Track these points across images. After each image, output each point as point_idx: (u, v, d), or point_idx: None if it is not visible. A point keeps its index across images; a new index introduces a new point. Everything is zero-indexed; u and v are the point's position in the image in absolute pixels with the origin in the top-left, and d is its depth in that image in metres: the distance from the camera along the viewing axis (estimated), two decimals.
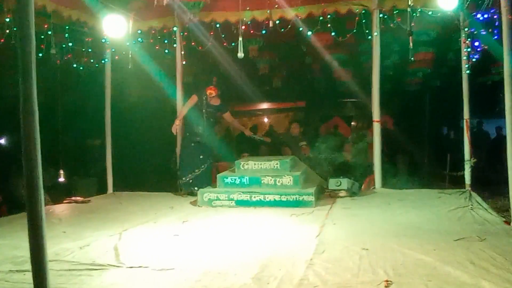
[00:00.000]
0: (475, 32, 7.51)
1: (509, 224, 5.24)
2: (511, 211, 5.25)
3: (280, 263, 4.05)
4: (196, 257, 4.36)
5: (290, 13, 8.20)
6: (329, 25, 8.17)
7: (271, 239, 5.03)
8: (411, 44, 7.50)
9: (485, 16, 6.76)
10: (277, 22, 8.26)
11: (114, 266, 4.06)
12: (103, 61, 9.01)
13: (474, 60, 7.78)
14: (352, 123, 17.06)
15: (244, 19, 8.36)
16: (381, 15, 8.00)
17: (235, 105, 15.48)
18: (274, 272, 3.79)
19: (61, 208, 7.40)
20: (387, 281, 3.46)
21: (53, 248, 4.56)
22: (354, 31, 8.15)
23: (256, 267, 3.92)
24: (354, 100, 15.56)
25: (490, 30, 6.79)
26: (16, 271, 3.91)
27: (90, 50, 8.72)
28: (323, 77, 13.50)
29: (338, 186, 7.62)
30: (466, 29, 7.56)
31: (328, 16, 8.17)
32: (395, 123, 13.54)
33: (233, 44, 8.40)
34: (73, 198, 7.86)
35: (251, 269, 3.87)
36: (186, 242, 4.98)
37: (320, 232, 5.22)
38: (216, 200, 7.16)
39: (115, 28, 7.90)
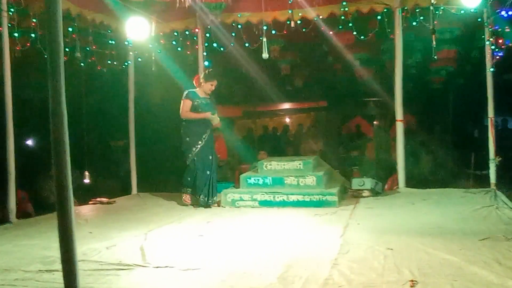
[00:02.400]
0: (499, 30, 7.43)
1: None
2: None
3: (305, 263, 4.07)
4: (221, 257, 4.40)
5: (312, 13, 8.20)
6: (350, 24, 8.16)
7: (295, 239, 5.05)
8: (434, 42, 7.46)
9: (510, 13, 6.68)
10: (299, 22, 8.27)
11: (140, 266, 4.12)
12: (126, 64, 9.10)
13: (498, 57, 7.67)
14: (374, 122, 17.01)
15: (266, 19, 8.39)
16: (403, 14, 7.95)
17: (257, 105, 15.57)
18: (299, 272, 3.81)
19: (87, 209, 7.52)
20: (412, 281, 3.45)
21: (80, 248, 4.61)
22: (376, 30, 8.13)
23: (281, 267, 3.94)
24: (376, 99, 15.50)
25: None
26: (46, 271, 3.99)
27: (113, 52, 8.80)
28: (345, 76, 13.47)
29: (362, 186, 7.60)
30: (490, 27, 7.49)
31: (350, 16, 8.16)
32: (418, 122, 13.47)
33: (255, 45, 8.41)
34: (98, 199, 7.96)
35: (276, 269, 3.90)
36: (210, 243, 5.03)
37: (344, 232, 5.23)
38: (239, 200, 7.20)
39: (138, 30, 8.00)
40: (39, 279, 3.80)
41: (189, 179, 7.37)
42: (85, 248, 4.69)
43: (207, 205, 7.22)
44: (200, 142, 7.32)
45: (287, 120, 19.32)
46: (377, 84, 12.86)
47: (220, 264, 4.15)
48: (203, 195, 7.25)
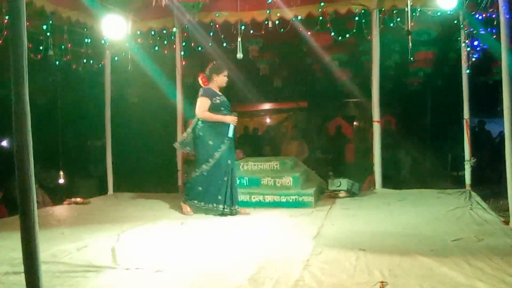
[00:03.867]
0: (474, 32, 7.52)
1: (507, 224, 5.23)
2: (510, 211, 5.21)
3: (277, 264, 4.05)
4: (193, 258, 4.36)
5: (289, 13, 8.21)
6: (328, 25, 8.19)
7: (269, 240, 5.04)
8: (410, 43, 7.52)
9: (484, 15, 6.77)
10: (277, 22, 8.27)
11: (110, 267, 4.06)
12: (102, 62, 9.01)
13: (474, 59, 7.77)
14: (354, 123, 17.12)
15: (244, 19, 8.39)
16: (380, 15, 8.00)
17: (236, 105, 15.52)
18: (270, 273, 3.79)
19: (60, 209, 7.43)
20: (382, 282, 3.46)
21: (50, 249, 4.58)
22: (354, 31, 8.17)
23: (253, 269, 3.92)
24: (356, 100, 15.59)
25: (489, 29, 6.79)
26: (13, 272, 3.90)
27: (89, 51, 8.70)
28: (324, 77, 13.50)
29: (338, 186, 7.63)
30: (465, 29, 7.58)
31: (328, 16, 8.18)
32: (397, 123, 13.59)
33: (233, 44, 8.41)
34: (73, 199, 7.86)
35: (248, 270, 3.87)
36: (183, 243, 4.98)
37: (318, 233, 5.23)
38: None
39: (114, 29, 7.92)
40: (5, 282, 3.73)
41: (200, 188, 6.54)
42: (55, 249, 4.62)
43: (230, 213, 6.44)
44: (223, 146, 6.49)
45: (268, 120, 19.34)
46: (356, 85, 12.96)
47: (191, 265, 4.12)
48: (221, 204, 6.43)
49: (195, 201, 6.58)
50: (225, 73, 6.74)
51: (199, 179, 6.56)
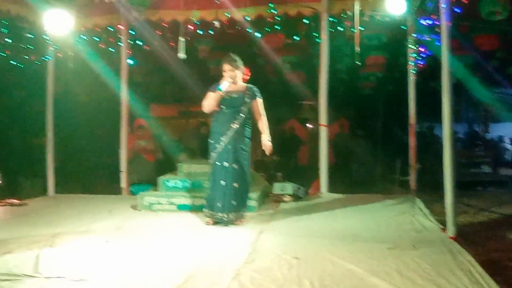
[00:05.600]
0: (421, 38, 7.56)
1: (445, 231, 5.22)
2: (447, 218, 5.20)
3: (208, 273, 3.92)
4: (120, 266, 4.17)
5: (238, 14, 8.09)
6: (277, 27, 8.11)
7: (205, 247, 4.91)
8: (357, 48, 7.51)
9: (429, 22, 6.80)
10: (226, 23, 8.14)
11: (30, 276, 3.85)
12: (44, 59, 8.68)
13: (420, 65, 7.81)
14: (308, 125, 17.09)
15: (192, 18, 8.24)
16: (330, 19, 7.95)
17: (187, 105, 15.35)
18: (198, 283, 3.67)
19: None
20: None
21: None
22: (304, 33, 8.12)
23: (181, 278, 3.78)
24: (310, 103, 15.56)
25: (433, 35, 6.84)
26: None
27: (31, 47, 8.38)
28: (277, 79, 13.42)
29: (283, 190, 7.54)
30: (412, 34, 7.61)
31: (278, 18, 8.10)
32: (349, 127, 13.62)
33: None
34: (8, 200, 7.52)
35: (175, 280, 3.73)
36: (114, 250, 4.77)
37: (257, 238, 5.13)
38: (156, 204, 6.97)
39: (57, 24, 7.62)
40: None
41: (209, 194, 6.10)
42: None
43: (227, 223, 5.88)
44: (218, 146, 5.96)
45: None
46: (309, 88, 12.93)
47: (117, 274, 3.93)
48: (219, 211, 5.88)
49: (207, 210, 6.06)
50: (223, 66, 6.12)
51: (209, 183, 6.16)
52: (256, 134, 6.23)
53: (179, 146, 12.20)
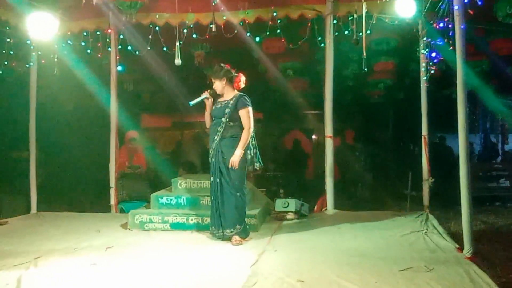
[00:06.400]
0: (432, 42, 7.57)
1: (462, 251, 5.21)
2: (464, 237, 5.19)
3: None
4: None
5: (237, 17, 8.12)
6: (279, 31, 8.14)
7: (202, 269, 4.89)
8: (364, 53, 7.53)
9: (441, 25, 6.81)
10: (223, 26, 8.16)
11: None
12: (27, 65, 8.71)
13: (432, 71, 7.82)
14: (313, 136, 17.09)
15: (187, 22, 8.27)
16: (335, 22, 7.98)
17: (182, 116, 15.34)
18: None
19: None
20: None
21: None
22: (306, 38, 8.14)
23: None
24: (315, 112, 15.56)
25: (446, 40, 6.84)
26: None
27: (11, 52, 8.40)
28: (279, 87, 13.44)
29: (286, 207, 7.53)
30: (424, 39, 7.63)
31: (279, 21, 8.13)
32: (357, 138, 13.62)
33: (174, 49, 8.25)
34: None
35: None
36: (102, 273, 4.76)
37: (257, 260, 5.11)
38: (148, 222, 6.95)
39: (41, 28, 7.63)
40: None
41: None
42: None
43: (222, 238, 6.11)
44: (209, 159, 6.31)
45: None
46: (313, 96, 12.96)
47: None
48: (212, 225, 6.25)
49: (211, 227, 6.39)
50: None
51: None
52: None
53: (174, 159, 12.22)
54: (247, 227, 6.32)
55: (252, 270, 4.69)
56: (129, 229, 6.98)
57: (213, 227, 6.25)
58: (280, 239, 6.25)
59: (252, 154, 6.41)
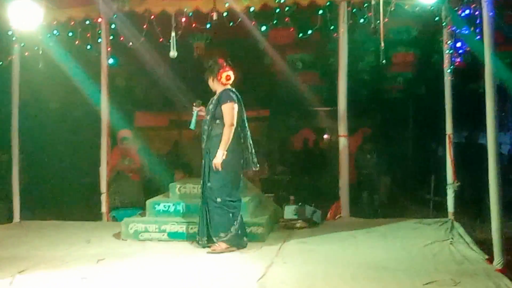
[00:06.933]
0: (457, 31, 7.56)
1: (491, 262, 5.21)
2: (494, 246, 5.20)
3: None
4: None
5: (241, 4, 8.13)
6: (287, 19, 8.15)
7: (202, 284, 4.92)
8: (382, 43, 7.53)
9: (467, 12, 6.81)
10: (225, 14, 8.18)
11: None
12: (9, 58, 8.75)
13: (458, 63, 7.81)
14: (325, 136, 17.12)
15: (185, 9, 8.28)
16: (349, 9, 7.98)
17: (181, 114, 15.38)
18: None
19: None
20: None
21: None
22: (317, 27, 8.15)
23: None
24: (327, 108, 15.57)
25: (472, 28, 6.84)
26: None
27: None
28: (287, 81, 13.45)
29: (295, 215, 7.55)
30: (448, 27, 7.62)
31: (287, 9, 8.14)
32: (374, 137, 13.60)
33: (170, 40, 8.27)
34: None
35: None
36: None
37: (265, 273, 5.13)
38: (144, 232, 6.98)
39: (24, 17, 7.69)
40: None
41: None
42: None
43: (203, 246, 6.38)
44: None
45: None
46: (325, 91, 12.97)
47: None
48: (199, 234, 6.48)
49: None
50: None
51: None
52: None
53: (171, 162, 12.23)
54: (243, 235, 6.40)
55: (259, 285, 4.72)
56: (122, 239, 7.01)
57: (198, 235, 6.46)
58: (289, 249, 6.28)
59: (247, 156, 6.53)
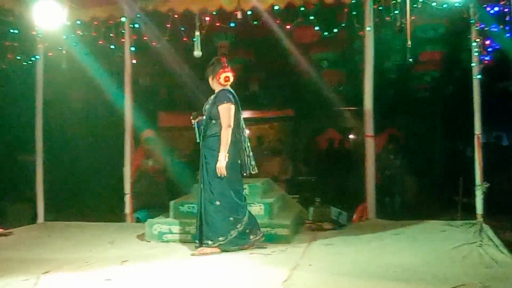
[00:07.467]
0: (486, 29, 7.49)
1: None
2: None
3: None
4: None
5: (265, 2, 8.14)
6: (312, 17, 8.15)
7: (227, 286, 4.90)
8: (409, 41, 7.48)
9: (496, 9, 6.73)
10: (249, 13, 8.19)
11: None
12: (33, 58, 8.84)
13: (487, 61, 7.73)
14: (351, 136, 17.05)
15: (209, 8, 8.30)
16: (375, 6, 7.96)
17: (203, 113, 15.41)
18: None
19: None
20: None
21: None
22: (343, 25, 8.13)
23: None
24: (353, 108, 15.50)
25: (502, 25, 6.76)
26: None
27: (16, 44, 8.54)
28: (312, 80, 13.43)
29: (321, 216, 7.53)
30: (476, 25, 7.54)
31: (312, 7, 8.13)
32: (402, 138, 13.53)
33: (194, 39, 8.30)
34: None
35: None
36: None
37: (290, 276, 5.09)
38: (168, 233, 7.02)
39: (48, 17, 7.78)
40: None
41: None
42: None
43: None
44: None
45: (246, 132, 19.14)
46: (351, 90, 12.90)
47: None
48: (196, 238, 6.47)
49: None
50: None
51: None
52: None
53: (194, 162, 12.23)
54: (242, 237, 6.36)
55: (284, 287, 4.70)
56: (146, 241, 7.06)
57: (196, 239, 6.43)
58: (315, 251, 6.26)
59: (244, 158, 6.58)
